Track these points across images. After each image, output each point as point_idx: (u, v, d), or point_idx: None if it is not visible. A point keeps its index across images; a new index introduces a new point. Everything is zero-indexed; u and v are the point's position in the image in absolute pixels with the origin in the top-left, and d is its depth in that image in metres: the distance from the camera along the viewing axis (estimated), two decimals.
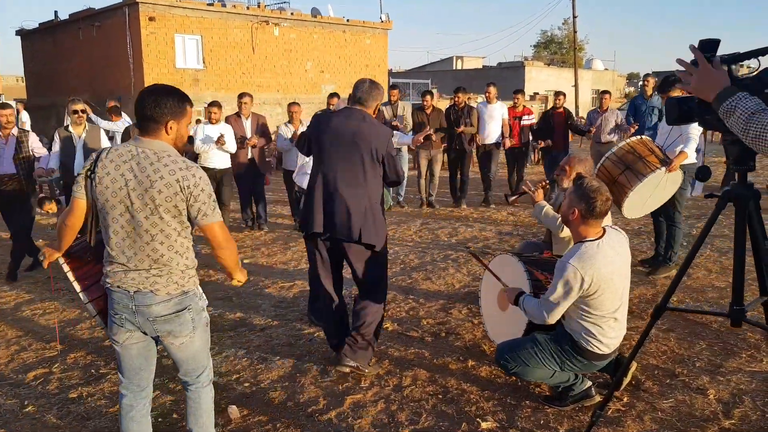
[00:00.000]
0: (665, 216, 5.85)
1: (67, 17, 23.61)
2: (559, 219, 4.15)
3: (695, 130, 5.44)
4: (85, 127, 6.45)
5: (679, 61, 2.02)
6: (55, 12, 25.09)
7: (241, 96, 7.96)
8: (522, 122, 9.80)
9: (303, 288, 5.66)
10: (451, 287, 5.68)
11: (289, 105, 8.17)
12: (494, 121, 9.37)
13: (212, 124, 7.51)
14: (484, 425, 3.23)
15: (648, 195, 5.00)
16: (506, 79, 34.29)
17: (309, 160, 4.43)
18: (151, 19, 19.86)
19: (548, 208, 4.31)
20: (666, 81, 6.02)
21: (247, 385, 3.73)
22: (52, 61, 24.57)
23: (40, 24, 25.51)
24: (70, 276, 2.72)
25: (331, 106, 8.43)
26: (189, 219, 2.46)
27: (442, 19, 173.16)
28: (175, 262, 2.46)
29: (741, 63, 2.04)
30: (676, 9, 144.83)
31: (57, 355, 4.16)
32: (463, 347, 4.26)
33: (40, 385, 3.74)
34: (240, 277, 2.73)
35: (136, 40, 20.01)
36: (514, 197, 5.16)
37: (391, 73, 32.05)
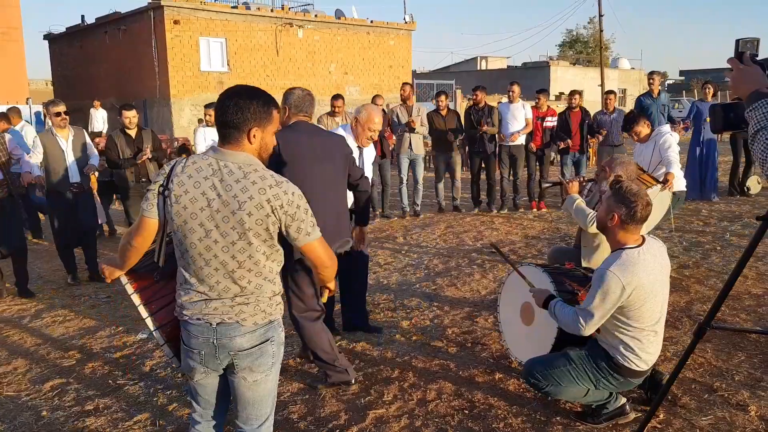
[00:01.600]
0: None
1: (94, 21, 23.97)
2: (591, 214, 3.99)
3: (674, 153, 5.54)
4: (70, 129, 6.02)
5: (729, 61, 1.90)
6: (82, 16, 25.65)
7: None
8: (545, 123, 9.55)
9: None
10: (476, 294, 5.54)
11: None
12: (517, 121, 9.11)
13: (211, 126, 7.32)
14: None
15: None
16: (531, 78, 33.92)
17: None
18: (175, 22, 20.04)
19: (581, 201, 4.15)
20: (627, 119, 6.11)
21: None
22: (79, 64, 24.97)
23: (67, 28, 25.97)
24: (136, 299, 2.41)
25: (336, 109, 8.30)
26: (284, 239, 2.20)
27: (467, 19, 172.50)
28: (263, 289, 2.19)
29: None
30: (704, 6, 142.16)
31: (75, 364, 4.12)
32: (490, 358, 4.12)
33: (57, 396, 3.69)
34: (333, 287, 2.58)
35: (161, 43, 20.21)
36: (548, 185, 4.98)
37: (414, 74, 31.90)
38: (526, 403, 3.48)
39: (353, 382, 3.73)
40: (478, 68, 43.69)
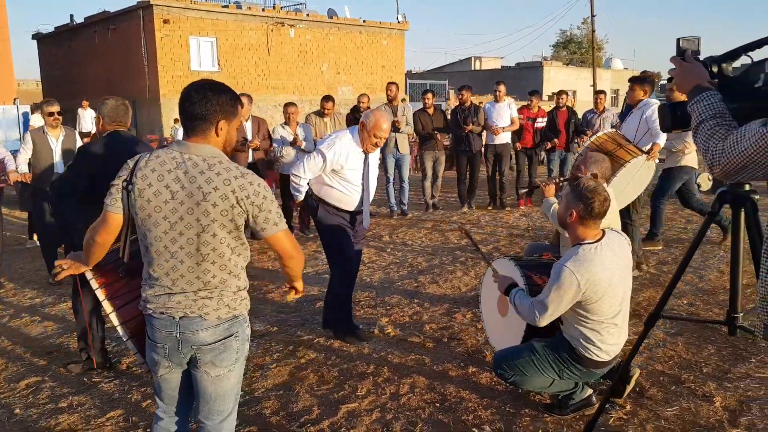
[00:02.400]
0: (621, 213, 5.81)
1: (83, 21, 23.93)
2: None
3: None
4: (62, 129, 6.15)
5: (672, 59, 1.96)
6: (71, 16, 25.49)
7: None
8: (536, 124, 9.66)
9: (307, 293, 5.59)
10: (457, 291, 5.58)
11: (286, 105, 7.85)
12: (503, 120, 9.19)
13: None
14: None
15: (626, 184, 4.98)
16: (524, 79, 34.08)
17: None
18: (165, 21, 20.03)
19: (557, 205, 4.20)
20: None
21: (240, 394, 3.66)
22: (69, 64, 24.92)
23: (55, 28, 25.91)
24: (100, 294, 2.42)
25: (326, 110, 8.30)
26: (251, 231, 2.21)
27: (460, 19, 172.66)
28: (227, 283, 2.19)
29: (732, 60, 1.93)
30: (696, 7, 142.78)
31: (51, 363, 4.14)
32: (465, 353, 4.17)
33: (31, 394, 3.70)
34: (300, 286, 2.53)
35: (150, 42, 20.20)
36: (524, 190, 5.04)
37: (408, 74, 31.97)
38: (496, 396, 3.52)
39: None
40: (472, 68, 43.79)
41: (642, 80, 6.12)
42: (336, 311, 4.49)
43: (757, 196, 2.20)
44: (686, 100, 2.01)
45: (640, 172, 5.14)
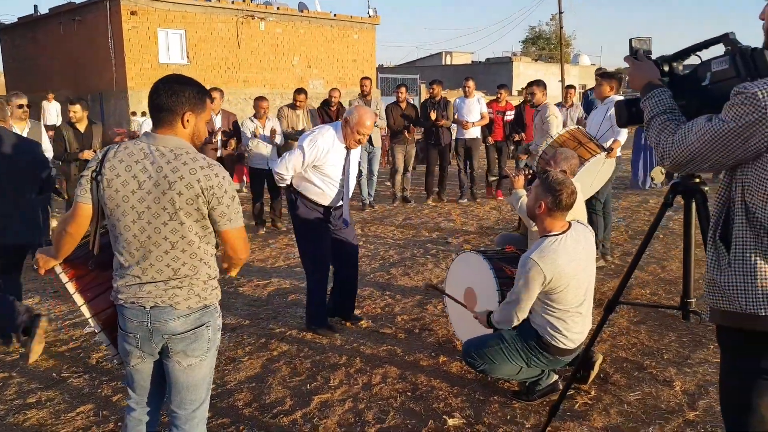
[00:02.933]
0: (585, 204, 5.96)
1: (47, 11, 23.36)
2: None
3: None
4: (27, 123, 6.03)
5: (625, 59, 2.05)
6: (35, 6, 24.78)
7: (210, 91, 7.78)
8: (505, 117, 9.81)
9: (278, 286, 5.62)
10: (428, 282, 5.65)
11: (256, 99, 7.89)
12: (472, 115, 9.33)
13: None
14: (450, 422, 3.20)
15: (589, 182, 5.10)
16: (495, 74, 34.30)
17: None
18: (132, 13, 19.67)
19: (525, 198, 4.28)
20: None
21: (212, 386, 3.66)
22: (32, 56, 24.30)
23: (19, 18, 25.25)
24: (70, 288, 2.42)
25: (299, 103, 8.31)
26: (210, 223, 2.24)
27: (430, 14, 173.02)
28: (198, 271, 2.22)
29: (682, 59, 2.03)
30: (661, 3, 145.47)
31: (19, 359, 4.09)
32: (436, 343, 4.24)
33: None
34: (234, 274, 2.51)
35: (117, 34, 19.82)
36: (494, 178, 5.12)
37: (380, 69, 31.93)
38: (466, 384, 3.60)
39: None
40: (443, 63, 43.96)
41: (610, 76, 6.25)
42: (314, 306, 4.51)
43: (706, 188, 2.30)
44: (636, 97, 2.10)
45: (602, 168, 5.28)
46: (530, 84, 7.86)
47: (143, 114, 15.74)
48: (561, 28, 33.41)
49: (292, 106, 8.35)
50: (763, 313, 1.63)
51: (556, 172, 3.25)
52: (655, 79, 1.94)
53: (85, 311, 2.42)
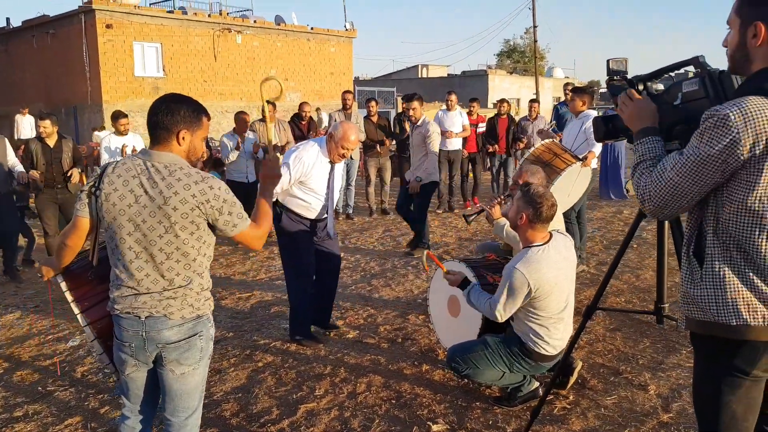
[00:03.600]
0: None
1: (20, 25, 23.10)
2: None
3: None
4: None
5: (628, 93, 2.07)
6: (7, 19, 24.44)
7: None
8: (478, 129, 10.06)
9: (261, 299, 5.67)
10: (410, 293, 5.75)
11: (238, 113, 8.01)
12: (455, 127, 9.51)
13: (121, 135, 7.51)
14: (434, 428, 3.29)
15: (566, 192, 5.26)
16: (470, 87, 34.68)
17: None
18: (108, 26, 19.55)
19: (509, 225, 4.39)
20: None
21: None
22: (5, 69, 23.95)
23: None
24: (68, 296, 2.50)
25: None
26: (214, 231, 2.32)
27: (407, 28, 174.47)
28: (191, 283, 2.29)
29: (656, 79, 2.15)
30: (633, 18, 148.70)
31: (3, 373, 4.08)
32: (418, 352, 4.33)
33: None
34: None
35: (92, 47, 19.66)
36: (472, 216, 5.22)
37: (356, 81, 32.13)
38: (449, 391, 3.69)
39: None
40: (419, 76, 44.32)
41: (582, 91, 6.45)
42: (298, 317, 4.55)
43: None
44: (613, 113, 2.22)
45: (578, 178, 5.45)
46: (409, 98, 7.50)
47: (102, 128, 15.50)
48: (535, 41, 34.06)
49: (263, 120, 8.45)
50: (734, 323, 1.72)
51: (537, 185, 3.38)
52: (654, 122, 1.98)
53: (81, 320, 2.50)
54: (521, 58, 51.62)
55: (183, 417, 2.44)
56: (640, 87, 2.13)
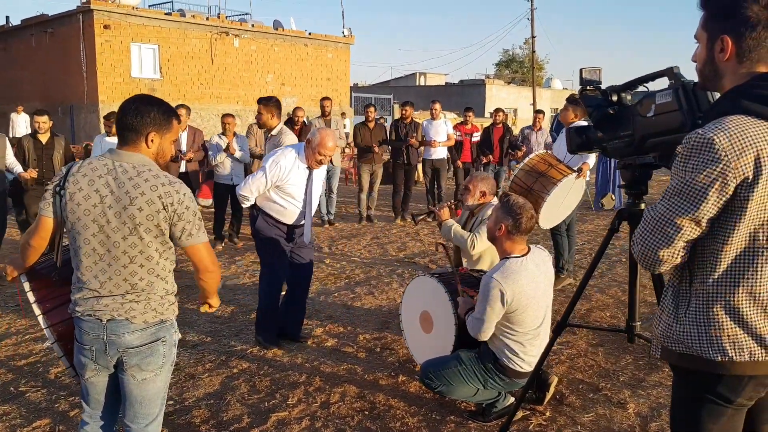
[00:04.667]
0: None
1: (19, 23, 23.09)
2: (469, 237, 4.19)
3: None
4: None
5: None
6: (7, 17, 24.47)
7: (177, 108, 7.77)
8: (472, 139, 10.04)
9: (242, 304, 5.61)
10: (392, 302, 5.69)
11: (223, 116, 7.93)
12: (440, 136, 9.54)
13: (112, 136, 7.41)
14: None
15: (559, 203, 5.21)
16: (468, 96, 34.75)
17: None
18: (105, 27, 19.56)
19: (456, 226, 4.35)
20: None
21: (170, 403, 3.64)
22: (3, 67, 23.94)
23: None
24: (31, 297, 2.46)
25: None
26: (172, 239, 2.27)
27: (405, 36, 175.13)
28: (155, 286, 2.26)
29: (631, 90, 2.12)
30: (634, 29, 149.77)
31: None
32: (396, 362, 4.27)
33: None
34: (215, 303, 2.56)
35: (90, 48, 19.66)
36: (420, 217, 5.12)
37: (354, 88, 32.16)
38: (424, 404, 3.63)
39: None
40: (417, 84, 44.44)
41: (576, 102, 6.38)
42: (261, 314, 4.56)
43: None
44: (586, 125, 2.18)
45: (572, 190, 5.39)
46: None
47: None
48: (533, 52, 34.18)
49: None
50: (719, 359, 1.65)
51: (517, 196, 3.33)
52: None
53: (42, 322, 2.45)
54: (520, 68, 51.82)
55: (143, 424, 2.39)
56: (614, 98, 2.10)
